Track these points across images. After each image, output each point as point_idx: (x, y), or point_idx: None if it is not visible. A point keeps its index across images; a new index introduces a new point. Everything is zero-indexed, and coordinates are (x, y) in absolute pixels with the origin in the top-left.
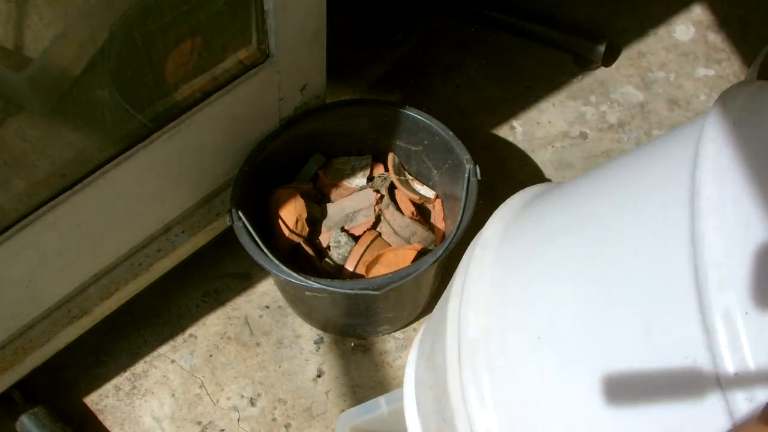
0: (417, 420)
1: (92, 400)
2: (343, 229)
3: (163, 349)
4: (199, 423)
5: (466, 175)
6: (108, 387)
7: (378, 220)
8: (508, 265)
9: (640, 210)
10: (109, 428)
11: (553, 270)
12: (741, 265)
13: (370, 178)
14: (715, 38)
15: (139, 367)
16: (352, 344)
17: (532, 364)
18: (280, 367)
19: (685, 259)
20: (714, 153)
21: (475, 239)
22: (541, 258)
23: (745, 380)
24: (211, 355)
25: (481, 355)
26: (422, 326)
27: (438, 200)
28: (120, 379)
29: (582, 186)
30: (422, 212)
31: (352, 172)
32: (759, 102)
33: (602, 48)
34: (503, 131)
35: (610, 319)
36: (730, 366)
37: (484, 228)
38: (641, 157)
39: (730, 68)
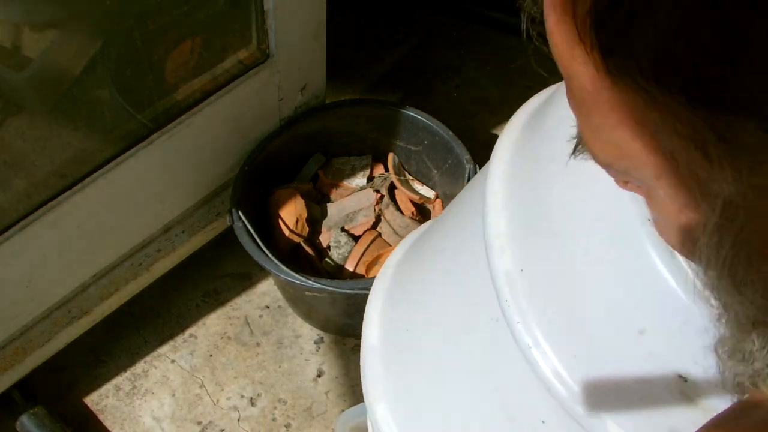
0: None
1: (92, 400)
2: (343, 229)
3: (163, 349)
4: (199, 423)
5: (466, 175)
6: (108, 387)
7: (378, 220)
8: (397, 287)
9: (467, 210)
10: (109, 428)
11: (418, 285)
12: (516, 235)
13: (370, 178)
14: None
15: (139, 367)
16: (353, 344)
17: (414, 363)
18: (280, 367)
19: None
20: (502, 148)
21: None
22: (416, 273)
23: (527, 326)
24: (211, 355)
25: (379, 361)
26: None
27: (438, 200)
28: (120, 379)
29: (451, 205)
30: (422, 212)
31: (352, 172)
32: (549, 100)
33: None
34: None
35: (451, 307)
36: (515, 316)
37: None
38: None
39: None
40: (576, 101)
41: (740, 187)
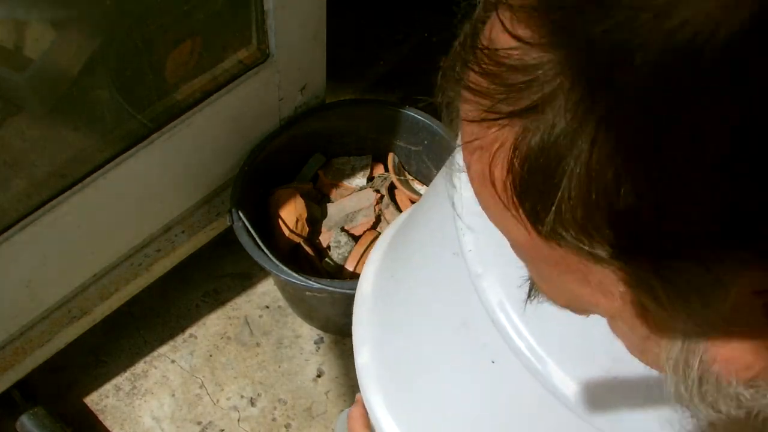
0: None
1: (92, 400)
2: (343, 229)
3: (163, 349)
4: (199, 423)
5: None
6: (108, 387)
7: (378, 220)
8: (381, 278)
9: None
10: (109, 428)
11: (399, 268)
12: None
13: (370, 178)
14: None
15: (139, 367)
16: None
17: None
18: (280, 367)
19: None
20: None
21: None
22: (396, 252)
23: (479, 255)
24: (211, 355)
25: (368, 348)
26: None
27: None
28: (120, 379)
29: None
30: None
31: (352, 172)
32: None
33: None
34: None
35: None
36: (467, 245)
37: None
38: None
39: None
40: (519, 254)
41: (695, 323)
